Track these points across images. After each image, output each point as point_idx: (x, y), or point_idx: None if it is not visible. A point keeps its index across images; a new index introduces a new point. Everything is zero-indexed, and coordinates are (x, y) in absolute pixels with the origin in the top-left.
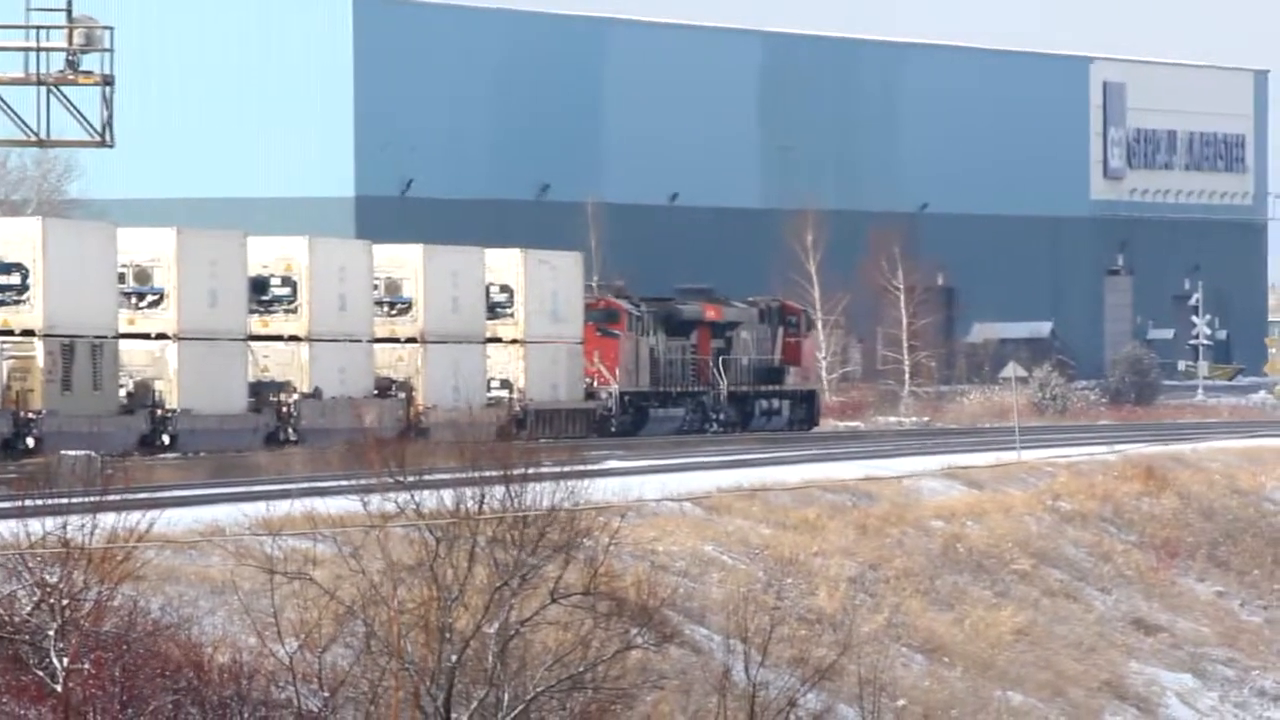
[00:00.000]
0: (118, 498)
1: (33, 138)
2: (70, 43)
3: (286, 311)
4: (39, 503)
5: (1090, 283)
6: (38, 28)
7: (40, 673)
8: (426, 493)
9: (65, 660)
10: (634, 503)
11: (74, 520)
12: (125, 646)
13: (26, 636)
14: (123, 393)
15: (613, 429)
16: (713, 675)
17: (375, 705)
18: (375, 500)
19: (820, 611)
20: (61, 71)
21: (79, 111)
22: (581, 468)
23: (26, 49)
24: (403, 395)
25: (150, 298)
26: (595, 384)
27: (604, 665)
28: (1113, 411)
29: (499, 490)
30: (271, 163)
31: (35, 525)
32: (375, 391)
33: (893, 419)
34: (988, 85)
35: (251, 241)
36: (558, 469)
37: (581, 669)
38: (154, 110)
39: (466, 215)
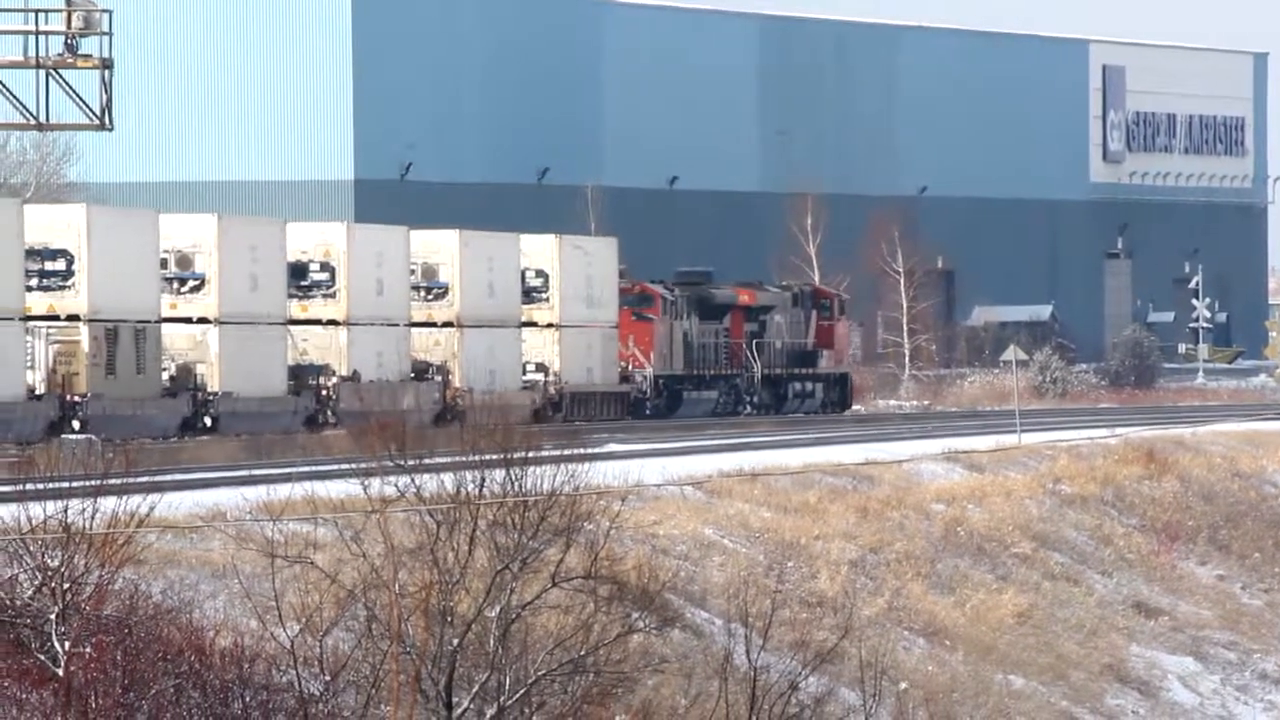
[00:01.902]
0: (118, 481)
1: (31, 121)
2: (69, 26)
3: (325, 296)
4: (40, 486)
5: (1090, 266)
6: (36, 11)
7: (42, 657)
8: (427, 476)
9: (66, 644)
10: (635, 486)
11: (75, 504)
12: (126, 630)
13: (28, 620)
14: (165, 376)
15: (647, 412)
16: (714, 659)
17: (376, 689)
18: (376, 484)
19: (821, 595)
20: (60, 55)
21: (78, 95)
22: (582, 451)
23: (25, 32)
24: (439, 378)
25: (192, 283)
26: (630, 367)
27: (605, 649)
28: (1113, 395)
29: (499, 474)
30: (270, 146)
31: (36, 509)
32: (412, 375)
33: (893, 402)
34: (987, 68)
35: (291, 227)
36: (558, 452)
37: (583, 652)
38: (153, 94)
39: (466, 199)
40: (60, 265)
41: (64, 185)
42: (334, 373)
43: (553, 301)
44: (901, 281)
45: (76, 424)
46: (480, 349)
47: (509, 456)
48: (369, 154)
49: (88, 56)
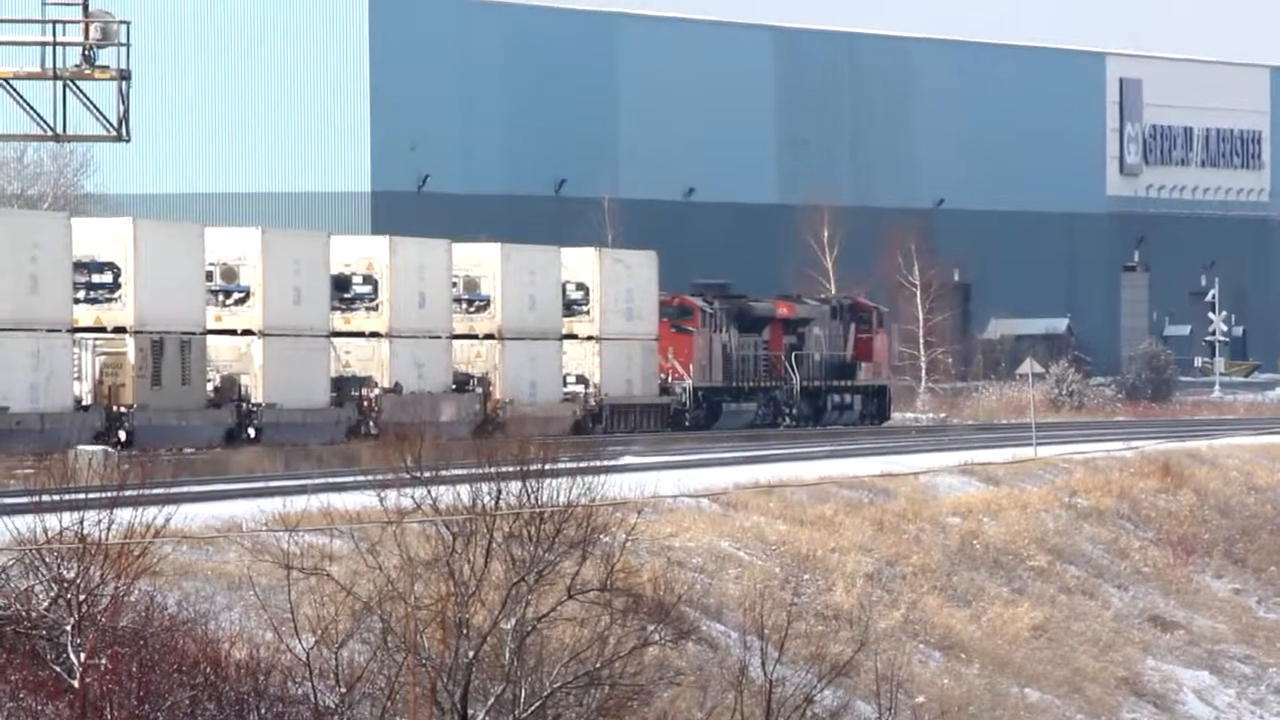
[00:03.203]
0: (134, 493)
1: (49, 133)
2: (86, 37)
3: (368, 309)
4: (56, 498)
5: (1107, 279)
6: (54, 22)
7: (57, 668)
8: (443, 488)
9: (82, 655)
10: (651, 498)
11: (91, 515)
12: (142, 642)
13: (43, 632)
14: (210, 387)
15: (686, 423)
16: (729, 671)
17: (392, 701)
18: (392, 496)
19: (837, 608)
20: (78, 66)
21: (95, 106)
22: (598, 463)
23: (43, 44)
24: (480, 390)
25: (236, 295)
26: (669, 379)
27: (621, 661)
28: (1129, 408)
29: (516, 486)
30: (288, 158)
31: (52, 520)
32: (453, 386)
33: (909, 415)
34: (1004, 81)
35: (334, 240)
36: (574, 465)
37: (598, 665)
38: (170, 105)
39: (483, 210)
40: (107, 278)
41: (81, 196)
42: (376, 384)
43: (593, 314)
44: (918, 294)
45: (123, 434)
46: (521, 361)
47: (525, 469)
48: (386, 165)
49: (105, 68)
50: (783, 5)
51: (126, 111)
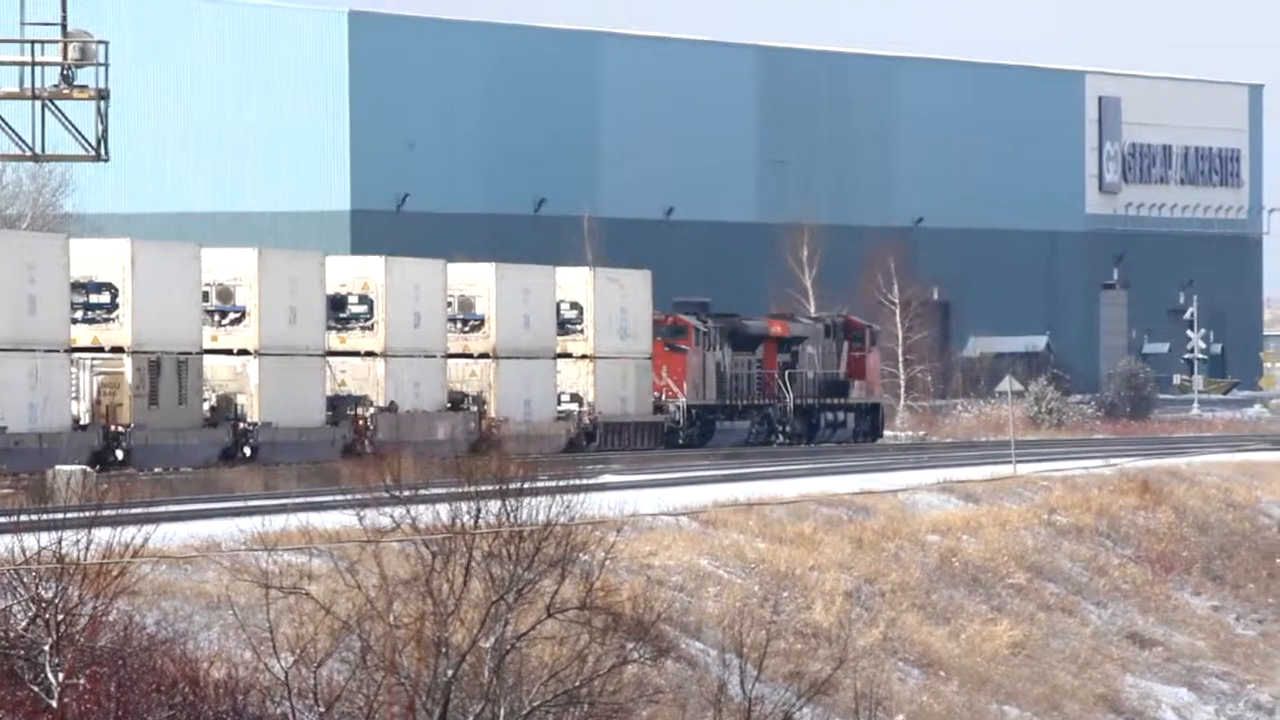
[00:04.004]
0: (113, 512)
1: (27, 152)
2: (65, 57)
3: (363, 328)
4: (34, 517)
5: (1086, 297)
6: (32, 42)
7: (35, 688)
8: (422, 507)
9: (60, 675)
10: (630, 517)
11: (69, 535)
12: (120, 662)
13: (21, 652)
14: (206, 406)
15: (680, 441)
16: (709, 689)
17: None
18: (371, 515)
19: (816, 626)
20: (56, 86)
21: (74, 126)
22: (577, 482)
23: (21, 63)
24: (475, 409)
25: (233, 315)
26: (663, 397)
27: (600, 679)
28: (1108, 425)
29: (495, 505)
30: (267, 177)
31: (30, 540)
32: (448, 405)
33: (889, 433)
34: (983, 99)
35: (330, 261)
36: (553, 483)
37: (578, 683)
38: (149, 125)
39: (463, 229)
40: (105, 298)
41: (60, 216)
42: (371, 403)
43: (587, 333)
44: (897, 312)
45: (120, 453)
46: (516, 380)
47: (504, 488)
48: (365, 184)
49: (84, 88)
50: (764, 25)
51: (105, 131)
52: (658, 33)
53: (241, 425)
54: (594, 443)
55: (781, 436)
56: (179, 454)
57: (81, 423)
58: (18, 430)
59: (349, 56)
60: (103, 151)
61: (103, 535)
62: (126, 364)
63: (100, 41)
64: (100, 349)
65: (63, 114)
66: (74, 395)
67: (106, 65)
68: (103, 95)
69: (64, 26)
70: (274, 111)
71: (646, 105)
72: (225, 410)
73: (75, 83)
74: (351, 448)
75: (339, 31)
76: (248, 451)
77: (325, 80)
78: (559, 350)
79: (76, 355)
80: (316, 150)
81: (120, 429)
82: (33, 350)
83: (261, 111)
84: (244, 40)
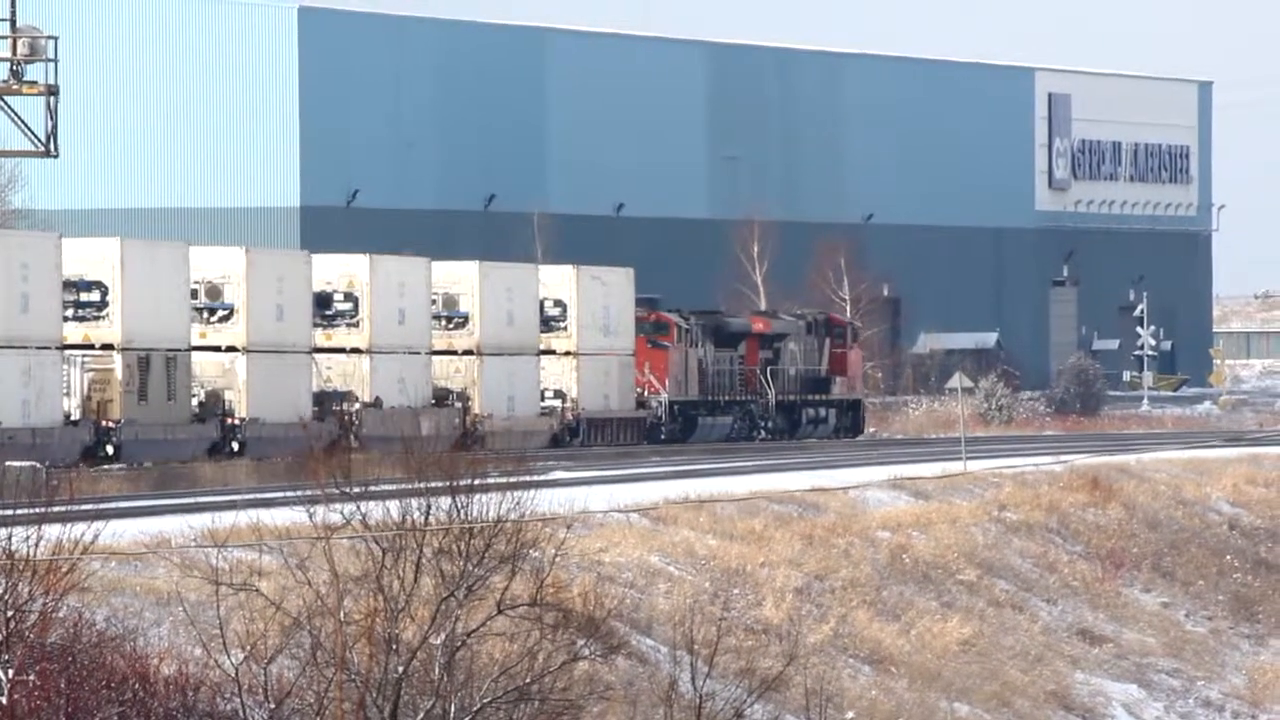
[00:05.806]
0: (63, 509)
1: None
2: (14, 53)
3: (349, 325)
4: None
5: (1036, 293)
6: None
7: None
8: (373, 504)
9: (10, 672)
10: (580, 514)
11: (19, 531)
12: (71, 658)
13: None
14: (195, 402)
15: (662, 437)
16: (659, 686)
17: (321, 716)
18: (321, 511)
19: (767, 622)
20: (5, 81)
21: (23, 122)
22: (527, 478)
23: None
24: (459, 405)
25: (221, 312)
26: (646, 394)
27: (551, 676)
28: (1058, 422)
29: (445, 501)
30: (216, 173)
31: None
32: (433, 401)
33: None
34: (933, 96)
35: (316, 258)
36: (504, 480)
37: (528, 680)
38: (98, 120)
39: (413, 225)
40: (95, 296)
41: (9, 212)
42: (357, 399)
43: (570, 330)
44: (848, 308)
45: (110, 449)
46: (499, 376)
47: (454, 484)
48: (315, 181)
49: (33, 83)
50: (713, 20)
51: (54, 127)
52: (607, 29)
53: (229, 421)
54: (577, 438)
55: (763, 433)
56: (168, 449)
57: (73, 419)
58: (11, 426)
59: (299, 51)
60: (52, 147)
61: (53, 531)
62: (116, 361)
63: (49, 37)
64: (91, 346)
65: (12, 110)
66: (66, 392)
67: (56, 61)
68: (52, 91)
69: (13, 22)
70: (223, 107)
71: (596, 101)
72: (214, 406)
73: (24, 78)
74: (337, 443)
75: (289, 27)
76: (235, 446)
77: (275, 76)
78: (543, 347)
79: (68, 352)
80: (266, 146)
81: (110, 424)
82: (25, 347)
83: (211, 107)
84: (193, 35)
